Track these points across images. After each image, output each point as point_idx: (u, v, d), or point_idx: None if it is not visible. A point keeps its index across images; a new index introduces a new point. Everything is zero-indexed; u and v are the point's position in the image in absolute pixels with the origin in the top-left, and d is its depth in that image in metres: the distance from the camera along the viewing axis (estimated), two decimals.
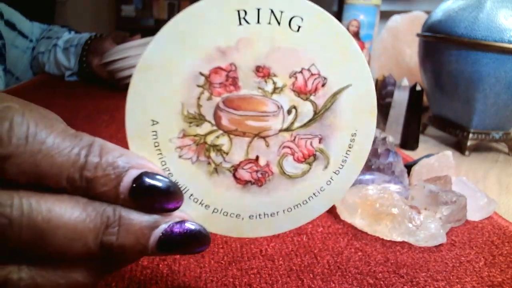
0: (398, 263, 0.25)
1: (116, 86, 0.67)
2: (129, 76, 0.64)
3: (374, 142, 0.33)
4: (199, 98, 0.16)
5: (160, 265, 0.23)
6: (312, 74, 0.16)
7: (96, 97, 0.64)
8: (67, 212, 0.13)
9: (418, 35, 0.55)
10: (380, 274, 0.24)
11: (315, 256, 0.25)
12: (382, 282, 0.23)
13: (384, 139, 0.34)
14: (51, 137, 0.13)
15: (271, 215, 0.17)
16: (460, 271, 0.25)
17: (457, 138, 0.52)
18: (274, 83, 0.16)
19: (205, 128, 0.16)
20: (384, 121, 0.52)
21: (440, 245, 0.28)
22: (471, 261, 0.26)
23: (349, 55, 0.16)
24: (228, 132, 0.16)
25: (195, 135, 0.16)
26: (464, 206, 0.30)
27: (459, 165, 0.47)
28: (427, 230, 0.27)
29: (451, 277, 0.24)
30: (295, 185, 0.17)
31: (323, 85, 0.16)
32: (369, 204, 0.28)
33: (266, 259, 0.24)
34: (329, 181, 0.17)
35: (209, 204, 0.17)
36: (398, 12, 0.77)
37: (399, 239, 0.28)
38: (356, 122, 0.17)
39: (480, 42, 0.46)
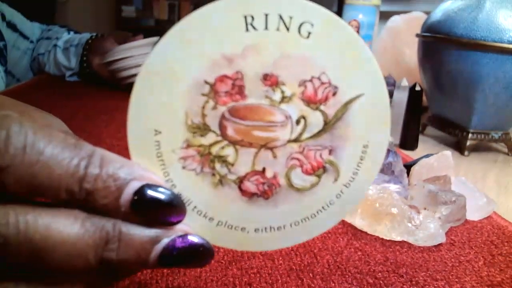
0: (397, 262, 0.25)
1: (116, 86, 0.67)
2: (131, 76, 0.64)
3: None
4: (203, 107, 0.15)
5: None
6: (322, 83, 0.15)
7: (96, 97, 0.64)
8: (66, 229, 0.13)
9: (417, 35, 0.55)
10: (379, 274, 0.24)
11: (315, 255, 0.25)
12: (381, 282, 0.23)
13: None
14: (49, 147, 0.12)
15: (277, 228, 0.16)
16: (460, 270, 0.25)
17: (456, 138, 0.53)
18: (282, 92, 0.15)
19: (210, 138, 0.15)
20: None
21: (440, 244, 0.28)
22: (471, 260, 0.26)
23: (362, 63, 0.15)
24: (233, 143, 0.15)
25: (199, 146, 0.15)
26: (464, 206, 0.30)
27: (459, 165, 0.47)
28: (427, 229, 0.27)
29: (451, 277, 0.24)
30: (303, 198, 0.16)
31: (334, 94, 0.15)
32: (369, 203, 0.28)
33: (266, 258, 0.24)
34: (339, 194, 0.16)
35: (213, 216, 0.16)
36: (398, 13, 0.77)
37: (398, 238, 0.28)
38: (369, 133, 0.16)
39: (479, 43, 0.46)
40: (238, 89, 0.15)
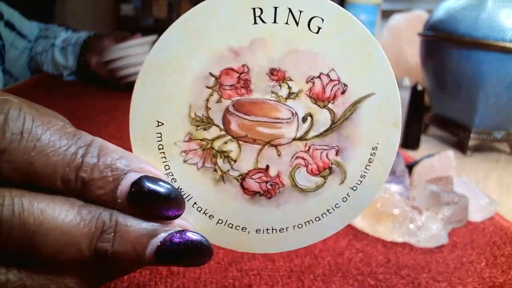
0: (399, 264, 0.25)
1: (115, 85, 0.67)
2: (130, 75, 0.64)
3: None
4: (208, 100, 0.15)
5: (159, 266, 0.23)
6: (331, 80, 0.15)
7: (94, 96, 0.64)
8: (61, 215, 0.12)
9: (419, 34, 0.55)
10: (381, 275, 0.24)
11: (315, 257, 0.25)
12: (383, 283, 0.23)
13: None
14: (47, 134, 0.12)
15: (279, 230, 0.16)
16: (462, 272, 0.25)
17: (458, 138, 0.52)
18: (289, 87, 0.15)
19: (213, 132, 0.15)
20: None
21: (442, 246, 0.28)
22: (473, 262, 0.26)
23: (373, 62, 0.15)
24: (237, 138, 0.15)
25: (202, 140, 0.15)
26: (466, 207, 0.30)
27: (461, 165, 0.47)
28: (429, 230, 0.27)
29: (453, 278, 0.24)
30: (307, 199, 0.16)
31: (342, 93, 0.15)
32: (370, 204, 0.28)
33: (266, 260, 0.24)
34: (345, 197, 0.16)
35: (213, 214, 0.15)
36: (399, 11, 0.76)
37: (400, 239, 0.28)
38: (378, 134, 0.15)
39: (481, 42, 0.45)
40: (244, 83, 0.15)
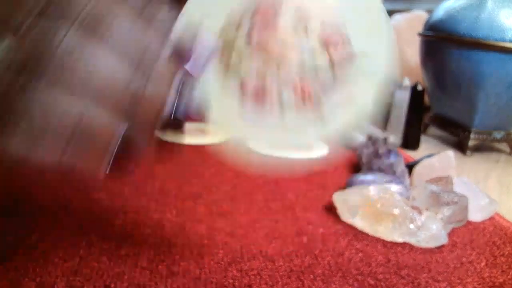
0: (399, 264, 0.25)
1: None
2: None
3: (375, 142, 0.33)
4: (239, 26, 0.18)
5: (159, 266, 0.23)
6: (339, 30, 0.17)
7: None
8: (108, 62, 0.15)
9: (419, 34, 0.55)
10: (381, 275, 0.24)
11: (315, 257, 0.25)
12: (383, 283, 0.23)
13: (385, 139, 0.34)
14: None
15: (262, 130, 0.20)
16: (462, 272, 0.25)
17: (458, 138, 0.52)
18: (306, 26, 0.18)
19: (240, 31, 0.18)
20: (385, 121, 0.52)
21: (442, 246, 0.28)
22: (473, 262, 0.26)
23: (377, 25, 0.17)
24: (254, 48, 0.18)
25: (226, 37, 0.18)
26: (466, 207, 0.30)
27: (461, 165, 0.47)
28: (428, 230, 0.27)
29: (453, 278, 0.24)
30: (286, 116, 0.19)
31: (346, 44, 0.17)
32: (370, 204, 0.28)
33: (266, 260, 0.24)
34: (317, 123, 0.19)
35: (212, 102, 0.19)
36: (399, 11, 0.76)
37: (400, 239, 0.28)
38: (363, 87, 0.19)
39: (481, 42, 0.45)
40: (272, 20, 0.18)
